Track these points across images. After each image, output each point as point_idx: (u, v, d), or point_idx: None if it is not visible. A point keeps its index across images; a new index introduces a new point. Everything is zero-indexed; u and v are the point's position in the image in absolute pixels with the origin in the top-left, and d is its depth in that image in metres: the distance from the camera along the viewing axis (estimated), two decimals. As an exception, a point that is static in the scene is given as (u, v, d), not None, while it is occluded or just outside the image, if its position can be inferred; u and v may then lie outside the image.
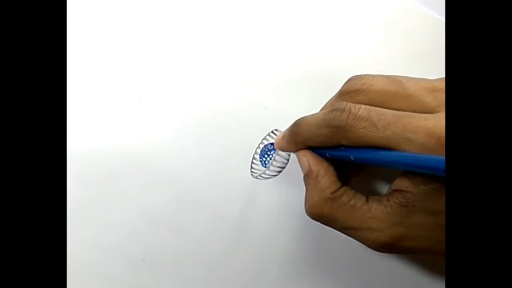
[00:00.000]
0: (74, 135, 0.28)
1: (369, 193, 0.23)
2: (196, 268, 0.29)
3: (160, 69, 0.29)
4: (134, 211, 0.28)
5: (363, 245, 0.23)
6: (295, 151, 0.25)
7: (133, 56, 0.29)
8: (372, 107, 0.21)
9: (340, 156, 0.23)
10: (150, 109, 0.29)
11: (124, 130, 0.29)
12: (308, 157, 0.24)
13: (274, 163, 0.28)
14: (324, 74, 0.30)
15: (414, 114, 0.21)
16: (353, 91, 0.23)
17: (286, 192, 0.29)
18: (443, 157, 0.18)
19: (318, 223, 0.24)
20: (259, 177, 0.28)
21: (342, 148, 0.23)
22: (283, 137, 0.26)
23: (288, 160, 0.28)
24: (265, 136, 0.28)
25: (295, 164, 0.27)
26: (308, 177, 0.24)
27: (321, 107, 0.26)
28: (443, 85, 0.22)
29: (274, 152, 0.28)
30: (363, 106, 0.21)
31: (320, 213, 0.23)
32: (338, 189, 0.23)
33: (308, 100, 0.29)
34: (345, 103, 0.22)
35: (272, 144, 0.29)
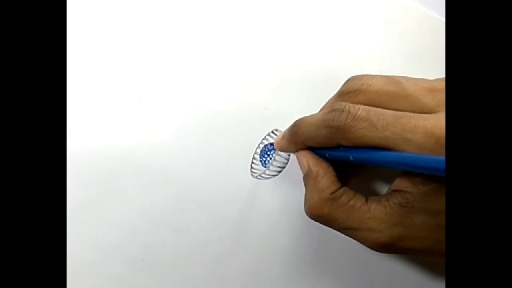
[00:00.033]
0: (74, 135, 0.28)
1: (368, 193, 0.23)
2: (196, 268, 0.29)
3: (160, 69, 0.29)
4: (134, 211, 0.28)
5: (362, 245, 0.23)
6: (294, 151, 0.25)
7: (133, 56, 0.29)
8: (371, 108, 0.21)
9: (340, 156, 0.23)
10: (150, 109, 0.29)
11: (124, 130, 0.29)
12: (307, 158, 0.24)
13: (274, 163, 0.28)
14: (324, 74, 0.30)
15: (413, 114, 0.21)
16: (352, 91, 0.23)
17: (286, 192, 0.29)
18: (442, 157, 0.18)
19: (318, 223, 0.24)
20: (259, 177, 0.28)
21: (341, 148, 0.23)
22: (282, 137, 0.26)
23: (288, 160, 0.28)
24: (265, 136, 0.28)
25: (295, 164, 0.27)
26: (307, 177, 0.24)
27: (320, 107, 0.26)
28: (442, 85, 0.22)
29: (274, 152, 0.28)
30: (362, 106, 0.21)
31: (320, 213, 0.23)
32: (338, 189, 0.23)
33: (308, 100, 0.29)
34: (344, 103, 0.22)
35: (272, 144, 0.29)
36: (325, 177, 0.23)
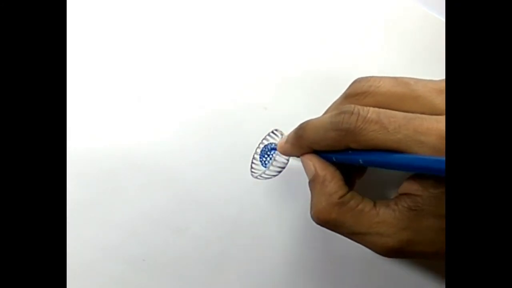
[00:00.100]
0: (74, 135, 0.28)
1: (375, 197, 0.23)
2: (196, 268, 0.29)
3: (160, 69, 0.29)
4: (134, 211, 0.28)
5: (363, 247, 0.23)
6: (299, 155, 0.25)
7: (133, 56, 0.29)
8: (381, 109, 0.21)
9: (348, 159, 0.22)
10: (150, 109, 0.29)
11: (124, 130, 0.29)
12: (314, 161, 0.24)
13: (274, 163, 0.28)
14: (324, 74, 0.30)
15: (424, 116, 0.20)
16: (360, 93, 0.23)
17: (286, 192, 0.29)
18: None
19: (317, 225, 0.24)
20: (259, 177, 0.28)
21: (349, 152, 0.22)
22: (287, 141, 0.25)
23: (288, 160, 0.28)
24: (265, 136, 0.28)
25: (295, 164, 0.27)
26: (314, 182, 0.24)
27: (321, 107, 0.26)
28: None
29: (274, 152, 0.28)
30: (371, 108, 0.21)
31: (328, 218, 0.23)
32: (346, 193, 0.23)
33: (308, 100, 0.29)
34: (353, 105, 0.21)
35: (272, 144, 0.29)
36: (333, 181, 0.23)
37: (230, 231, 0.29)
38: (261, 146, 0.28)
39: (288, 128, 0.27)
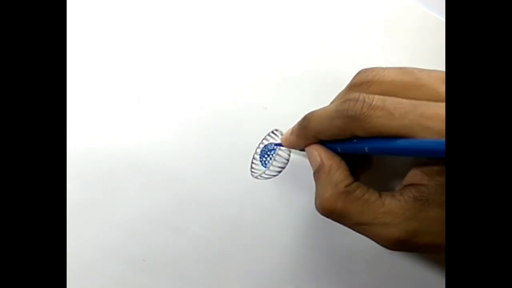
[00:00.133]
0: (74, 135, 0.28)
1: (379, 190, 0.23)
2: (196, 268, 0.29)
3: (160, 69, 0.29)
4: (134, 211, 0.28)
5: (363, 245, 0.23)
6: (304, 146, 0.25)
7: (133, 56, 0.29)
8: (387, 97, 0.21)
9: (353, 148, 0.22)
10: (150, 109, 0.29)
11: (124, 130, 0.29)
12: (319, 151, 0.24)
13: (274, 163, 0.28)
14: (324, 74, 0.30)
15: (430, 102, 0.20)
16: (365, 82, 0.23)
17: (286, 192, 0.29)
18: None
19: (317, 224, 0.24)
20: (259, 177, 0.28)
21: (355, 140, 0.22)
22: (291, 133, 0.25)
23: (288, 160, 0.28)
24: (265, 136, 0.28)
25: (295, 164, 0.27)
26: (320, 171, 0.24)
27: (321, 107, 0.26)
28: None
29: (274, 152, 0.28)
30: (377, 96, 0.21)
31: (333, 207, 0.22)
32: (352, 183, 0.23)
33: (308, 100, 0.29)
34: (358, 93, 0.21)
35: (272, 144, 0.29)
36: (339, 170, 0.23)
37: (230, 231, 0.29)
38: (261, 146, 0.28)
39: (288, 128, 0.27)
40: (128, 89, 0.29)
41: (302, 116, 0.25)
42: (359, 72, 0.23)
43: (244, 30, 0.30)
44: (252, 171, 0.28)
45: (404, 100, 0.21)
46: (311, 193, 0.28)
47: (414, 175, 0.22)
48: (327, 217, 0.23)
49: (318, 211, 0.23)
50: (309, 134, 0.24)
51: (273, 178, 0.29)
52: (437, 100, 0.21)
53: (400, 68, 0.22)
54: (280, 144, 0.28)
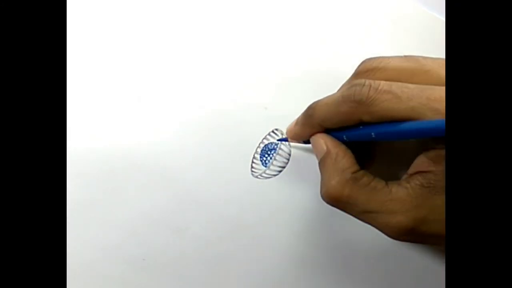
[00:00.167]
0: (74, 135, 0.28)
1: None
2: (196, 268, 0.28)
3: (160, 69, 0.29)
4: (134, 211, 0.28)
5: (365, 245, 0.22)
6: (309, 137, 0.25)
7: (133, 56, 0.29)
8: (393, 82, 0.21)
9: (360, 135, 0.22)
10: (150, 109, 0.29)
11: (124, 130, 0.29)
12: (325, 139, 0.24)
13: (275, 162, 0.28)
14: (324, 74, 0.30)
15: (435, 86, 0.20)
16: (370, 69, 0.23)
17: (286, 191, 0.29)
18: None
19: (318, 224, 0.24)
20: (259, 176, 0.28)
21: (361, 127, 0.22)
22: (296, 123, 0.25)
23: (288, 159, 0.28)
24: (265, 136, 0.28)
25: (295, 164, 0.27)
26: (326, 159, 0.23)
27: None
28: None
29: (274, 152, 0.28)
30: (383, 81, 0.21)
31: (340, 194, 0.22)
32: (358, 170, 0.22)
33: (308, 100, 0.29)
34: (363, 79, 0.21)
35: (272, 143, 0.29)
36: (345, 157, 0.23)
37: (230, 231, 0.29)
38: (261, 145, 0.28)
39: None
40: (128, 89, 0.29)
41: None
42: (363, 61, 0.23)
43: (244, 30, 0.30)
44: (252, 171, 0.28)
45: (410, 85, 0.21)
46: (312, 192, 0.28)
47: (421, 163, 0.21)
48: (333, 205, 0.23)
49: (324, 199, 0.23)
50: (314, 123, 0.24)
51: (274, 178, 0.29)
52: (442, 85, 0.20)
53: (405, 56, 0.22)
54: (283, 139, 0.28)
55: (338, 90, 0.25)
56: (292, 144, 0.29)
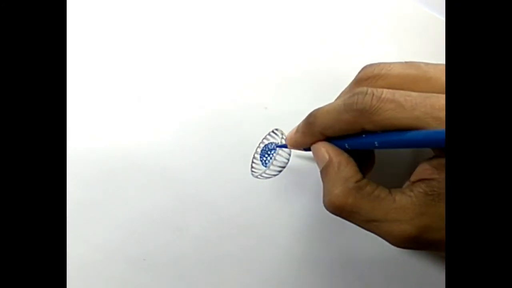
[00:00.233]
0: (74, 135, 0.28)
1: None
2: (196, 268, 0.29)
3: (160, 69, 0.29)
4: (134, 211, 0.28)
5: (366, 245, 0.22)
6: (310, 145, 0.25)
7: (133, 56, 0.29)
8: (395, 90, 0.21)
9: (362, 144, 0.22)
10: (150, 109, 0.29)
11: (124, 130, 0.29)
12: (327, 148, 0.23)
13: (275, 162, 0.28)
14: (324, 74, 0.30)
15: (439, 94, 0.20)
16: (371, 77, 0.22)
17: (286, 192, 0.29)
18: None
19: (318, 223, 0.23)
20: (259, 176, 0.28)
21: (364, 136, 0.22)
22: (296, 131, 0.25)
23: (288, 159, 0.28)
24: (265, 136, 0.28)
25: (295, 164, 0.27)
26: (328, 168, 0.23)
27: (324, 104, 0.26)
28: None
29: (274, 152, 0.28)
30: (385, 89, 0.21)
31: (344, 203, 0.22)
32: (361, 179, 0.22)
33: (308, 100, 0.29)
34: (365, 87, 0.21)
35: (272, 143, 0.29)
36: (348, 166, 0.22)
37: (230, 231, 0.29)
38: (261, 145, 0.28)
39: (288, 128, 0.27)
40: (128, 89, 0.29)
41: (302, 115, 0.25)
42: (364, 67, 0.23)
43: (244, 30, 0.30)
44: (252, 171, 0.28)
45: (413, 93, 0.20)
46: (312, 193, 0.28)
47: (424, 170, 0.21)
48: (337, 214, 0.22)
49: (327, 208, 0.23)
50: (315, 131, 0.24)
51: (274, 178, 0.29)
52: (444, 93, 0.20)
53: (406, 62, 0.22)
54: (283, 146, 0.28)
55: (340, 97, 0.25)
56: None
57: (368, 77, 0.22)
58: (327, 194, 0.23)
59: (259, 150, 0.28)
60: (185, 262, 0.28)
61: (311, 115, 0.24)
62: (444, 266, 0.29)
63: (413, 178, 0.22)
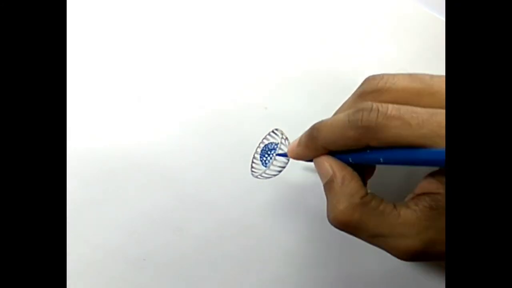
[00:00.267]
0: (74, 135, 0.28)
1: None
2: (196, 268, 0.29)
3: (160, 69, 0.29)
4: (134, 211, 0.28)
5: (364, 244, 0.22)
6: (312, 158, 0.24)
7: (133, 56, 0.29)
8: (401, 106, 0.20)
9: (367, 159, 0.22)
10: (150, 109, 0.29)
11: (124, 130, 0.29)
12: (330, 162, 0.23)
13: (275, 162, 0.28)
14: (324, 74, 0.30)
15: (445, 111, 0.20)
16: (375, 90, 0.22)
17: (286, 192, 0.29)
18: None
19: (318, 223, 0.23)
20: (259, 176, 0.28)
21: (368, 151, 0.21)
22: (299, 144, 0.24)
23: (288, 160, 0.28)
24: (265, 136, 0.28)
25: (296, 164, 0.27)
26: (332, 183, 0.23)
27: (321, 107, 0.26)
28: None
29: (274, 152, 0.28)
30: (390, 104, 0.20)
31: (349, 219, 0.22)
32: (366, 194, 0.22)
33: (308, 100, 0.29)
34: (370, 102, 0.21)
35: (272, 143, 0.29)
36: (353, 181, 0.22)
37: (230, 231, 0.29)
38: (261, 145, 0.28)
39: (288, 128, 0.27)
40: (128, 89, 0.29)
41: (302, 115, 0.25)
42: (368, 80, 0.23)
43: (244, 30, 0.30)
44: (252, 171, 0.28)
45: (419, 109, 0.20)
46: (312, 193, 0.28)
47: (428, 184, 0.21)
48: (342, 230, 0.22)
49: (332, 224, 0.22)
50: (318, 145, 0.23)
51: (274, 178, 0.29)
52: None
53: (410, 75, 0.22)
54: (283, 155, 0.28)
55: (342, 108, 0.24)
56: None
57: (373, 91, 0.22)
58: (332, 210, 0.22)
59: (259, 150, 0.28)
60: (185, 262, 0.28)
61: (314, 129, 0.23)
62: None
63: (417, 190, 0.22)
